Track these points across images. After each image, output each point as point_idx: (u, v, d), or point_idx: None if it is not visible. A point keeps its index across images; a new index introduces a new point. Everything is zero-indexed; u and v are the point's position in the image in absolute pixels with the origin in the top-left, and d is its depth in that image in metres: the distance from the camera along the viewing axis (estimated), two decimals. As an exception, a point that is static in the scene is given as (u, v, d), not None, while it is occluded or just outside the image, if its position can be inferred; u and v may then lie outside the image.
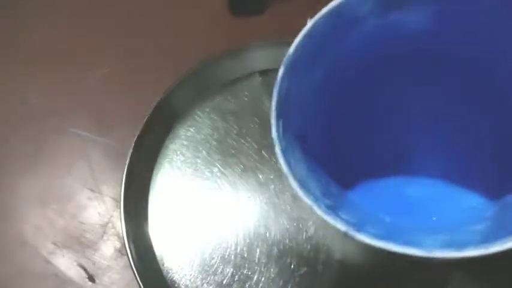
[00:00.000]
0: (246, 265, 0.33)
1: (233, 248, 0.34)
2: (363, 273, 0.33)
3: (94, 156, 0.37)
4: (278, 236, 0.34)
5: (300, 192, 0.22)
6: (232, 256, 0.33)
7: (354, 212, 0.25)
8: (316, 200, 0.22)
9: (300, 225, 0.34)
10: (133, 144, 0.35)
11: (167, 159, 0.37)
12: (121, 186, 0.34)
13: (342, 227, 0.21)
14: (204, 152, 0.37)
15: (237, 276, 0.33)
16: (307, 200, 0.22)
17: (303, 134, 0.26)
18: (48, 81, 0.40)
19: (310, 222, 0.34)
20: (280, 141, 0.23)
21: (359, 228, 0.21)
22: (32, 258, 0.34)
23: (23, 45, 0.41)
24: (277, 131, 0.23)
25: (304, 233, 0.33)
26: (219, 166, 0.36)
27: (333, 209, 0.22)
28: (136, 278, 0.31)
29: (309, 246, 0.33)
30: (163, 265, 0.33)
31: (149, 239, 0.34)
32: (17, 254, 0.34)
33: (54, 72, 0.40)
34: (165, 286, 0.33)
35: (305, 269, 0.33)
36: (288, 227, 0.34)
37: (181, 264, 0.33)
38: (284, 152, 0.23)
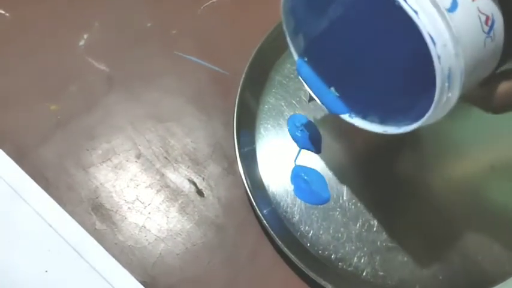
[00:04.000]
0: (346, 195, 0.35)
1: (334, 178, 0.35)
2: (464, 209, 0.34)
3: (203, 82, 0.39)
4: (379, 171, 0.35)
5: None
6: (334, 185, 0.35)
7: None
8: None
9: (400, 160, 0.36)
10: (244, 74, 0.37)
11: (273, 89, 0.38)
12: (233, 111, 0.35)
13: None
14: (307, 85, 0.38)
15: (338, 204, 0.35)
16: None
17: None
18: (160, 7, 0.41)
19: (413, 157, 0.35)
20: None
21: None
22: (146, 170, 0.36)
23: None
24: None
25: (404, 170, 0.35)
26: (322, 99, 0.37)
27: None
28: (246, 191, 0.33)
29: (409, 181, 0.35)
30: (268, 186, 0.35)
31: (256, 162, 0.36)
32: (132, 165, 0.36)
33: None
34: (271, 206, 0.35)
35: (406, 202, 0.35)
36: (389, 162, 0.35)
37: (285, 188, 0.35)
38: None
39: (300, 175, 0.35)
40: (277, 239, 0.32)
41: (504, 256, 0.34)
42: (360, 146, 0.37)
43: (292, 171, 0.35)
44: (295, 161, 0.36)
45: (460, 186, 0.36)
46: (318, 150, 0.36)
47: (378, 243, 0.34)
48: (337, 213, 0.34)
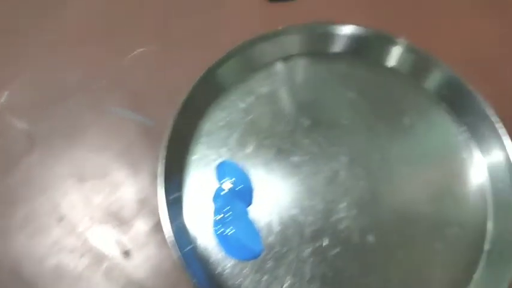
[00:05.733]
0: (279, 245, 0.34)
1: (266, 228, 0.34)
2: (395, 253, 0.33)
3: (130, 134, 0.37)
4: (311, 217, 0.35)
5: None
6: (266, 235, 0.34)
7: None
8: None
9: (333, 206, 0.35)
10: (171, 124, 0.35)
11: (202, 138, 0.37)
12: (158, 164, 0.34)
13: None
14: (237, 133, 0.37)
15: (270, 255, 0.33)
16: None
17: None
18: (84, 59, 0.40)
19: (343, 204, 0.35)
20: None
21: None
22: (69, 234, 0.34)
23: (61, 27, 0.42)
24: None
25: (336, 215, 0.34)
26: (252, 147, 0.37)
27: None
28: (173, 254, 0.32)
29: (341, 227, 0.34)
30: (197, 242, 0.34)
31: (183, 217, 0.34)
32: (54, 229, 0.34)
33: (90, 51, 0.41)
34: (201, 262, 0.33)
35: (338, 249, 0.34)
36: (321, 208, 0.35)
37: (215, 243, 0.34)
38: None
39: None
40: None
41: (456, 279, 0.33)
42: (292, 191, 0.36)
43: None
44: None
45: (403, 218, 0.35)
46: (249, 202, 0.35)
47: (312, 295, 0.32)
48: (269, 264, 0.33)
